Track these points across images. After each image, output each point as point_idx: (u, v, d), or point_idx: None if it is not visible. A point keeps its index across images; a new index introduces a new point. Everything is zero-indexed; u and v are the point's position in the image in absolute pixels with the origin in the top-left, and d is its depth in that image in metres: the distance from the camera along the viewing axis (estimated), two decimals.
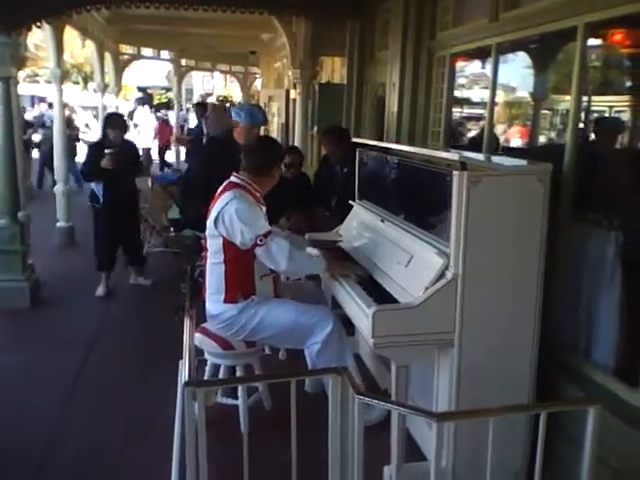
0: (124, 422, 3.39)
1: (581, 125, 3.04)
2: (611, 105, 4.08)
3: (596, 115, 3.84)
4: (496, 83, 3.68)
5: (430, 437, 2.70)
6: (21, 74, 5.62)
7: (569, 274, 2.83)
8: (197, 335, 3.19)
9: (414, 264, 2.75)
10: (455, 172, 2.44)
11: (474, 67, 4.86)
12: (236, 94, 24.26)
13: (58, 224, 7.36)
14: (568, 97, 2.87)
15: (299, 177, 5.03)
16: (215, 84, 28.37)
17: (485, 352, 2.53)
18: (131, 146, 5.82)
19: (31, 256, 5.49)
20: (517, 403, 2.49)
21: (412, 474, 2.49)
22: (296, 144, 6.90)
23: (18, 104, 5.46)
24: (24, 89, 15.88)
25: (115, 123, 5.49)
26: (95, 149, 5.41)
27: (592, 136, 3.61)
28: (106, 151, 5.14)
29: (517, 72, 4.49)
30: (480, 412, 2.11)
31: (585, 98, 3.01)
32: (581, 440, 2.00)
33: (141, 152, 5.77)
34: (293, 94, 9.37)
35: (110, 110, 10.79)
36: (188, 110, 19.37)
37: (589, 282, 2.77)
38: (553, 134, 4.79)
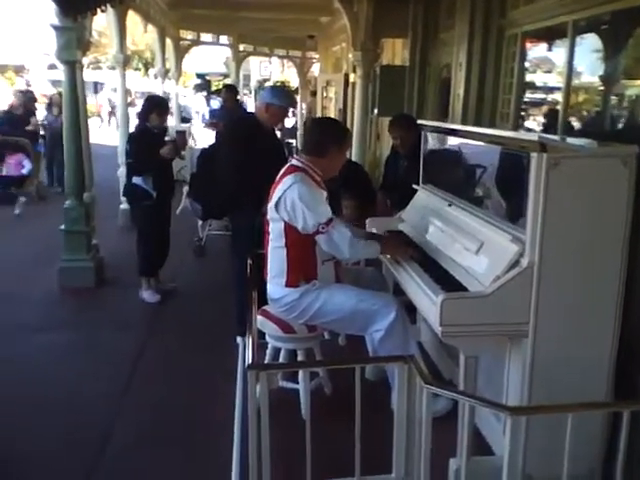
0: (184, 405, 3.41)
1: None
2: None
3: None
4: (572, 64, 3.49)
5: (497, 430, 2.61)
6: (84, 60, 5.65)
7: None
8: (259, 317, 3.17)
9: (485, 251, 2.63)
10: (533, 153, 2.30)
11: (537, 50, 4.64)
12: (293, 79, 24.28)
13: (121, 206, 7.52)
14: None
15: (350, 166, 4.86)
16: (272, 69, 28.42)
17: (561, 344, 2.40)
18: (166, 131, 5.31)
19: (95, 237, 5.62)
20: (593, 399, 2.36)
21: (479, 468, 2.39)
22: (355, 128, 6.77)
23: (83, 89, 5.56)
24: (87, 75, 16.29)
25: (161, 107, 5.00)
26: (142, 137, 4.92)
27: None
28: (167, 138, 4.91)
29: (586, 54, 4.26)
30: (557, 407, 2.01)
31: None
32: None
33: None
34: (352, 78, 9.26)
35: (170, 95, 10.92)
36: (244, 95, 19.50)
37: None
38: (627, 119, 4.53)
